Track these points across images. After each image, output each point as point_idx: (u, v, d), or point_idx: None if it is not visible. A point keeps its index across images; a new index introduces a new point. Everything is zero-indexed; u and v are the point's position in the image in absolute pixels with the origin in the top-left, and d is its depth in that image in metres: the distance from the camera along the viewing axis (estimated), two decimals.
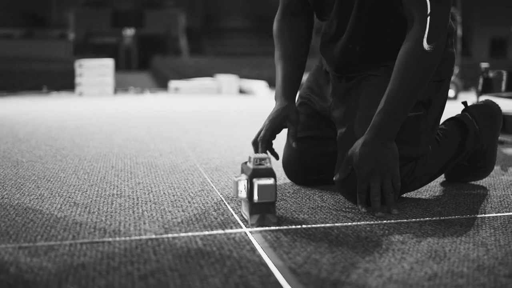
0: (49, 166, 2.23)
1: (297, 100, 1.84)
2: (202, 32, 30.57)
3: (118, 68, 13.97)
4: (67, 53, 24.44)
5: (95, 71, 10.26)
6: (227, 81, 11.24)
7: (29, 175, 2.03)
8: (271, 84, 13.07)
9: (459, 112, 1.86)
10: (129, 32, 28.75)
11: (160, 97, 9.28)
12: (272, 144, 1.71)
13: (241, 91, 11.29)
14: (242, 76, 13.04)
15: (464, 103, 1.88)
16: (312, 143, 1.82)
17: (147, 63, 25.06)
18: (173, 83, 11.52)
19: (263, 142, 1.66)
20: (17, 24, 29.59)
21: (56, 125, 4.10)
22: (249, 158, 1.36)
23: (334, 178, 1.58)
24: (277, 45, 1.81)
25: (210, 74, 13.51)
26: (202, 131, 3.65)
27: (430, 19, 1.44)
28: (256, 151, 1.68)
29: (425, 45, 1.44)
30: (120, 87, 11.96)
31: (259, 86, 10.72)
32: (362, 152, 1.48)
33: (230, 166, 2.23)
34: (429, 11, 1.44)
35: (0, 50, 22.45)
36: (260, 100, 8.38)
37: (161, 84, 15.44)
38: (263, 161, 1.34)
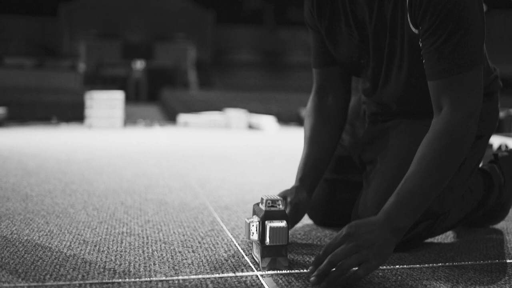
0: (58, 200, 2.22)
1: None
2: (211, 65, 30.82)
3: (127, 100, 14.09)
4: (77, 84, 24.65)
5: (105, 104, 10.35)
6: (236, 116, 11.30)
7: (38, 209, 2.02)
8: (280, 119, 13.13)
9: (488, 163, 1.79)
10: (139, 64, 29.03)
11: (169, 131, 9.31)
12: None
13: (250, 126, 11.33)
14: (251, 110, 13.11)
15: (495, 155, 1.81)
16: (340, 187, 1.78)
17: (156, 95, 25.24)
18: (182, 117, 11.60)
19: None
20: (28, 54, 29.94)
21: (65, 158, 4.11)
22: (261, 199, 1.35)
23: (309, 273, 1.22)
24: (305, 126, 1.75)
25: (219, 108, 13.59)
26: (211, 167, 3.65)
27: (460, 108, 1.33)
28: None
29: (452, 134, 1.33)
30: (129, 119, 12.05)
31: (268, 122, 10.75)
32: (364, 229, 1.25)
33: (240, 205, 2.22)
34: (459, 99, 1.33)
35: (11, 80, 22.68)
36: (268, 136, 8.39)
37: (170, 117, 15.54)
38: (275, 203, 1.33)
